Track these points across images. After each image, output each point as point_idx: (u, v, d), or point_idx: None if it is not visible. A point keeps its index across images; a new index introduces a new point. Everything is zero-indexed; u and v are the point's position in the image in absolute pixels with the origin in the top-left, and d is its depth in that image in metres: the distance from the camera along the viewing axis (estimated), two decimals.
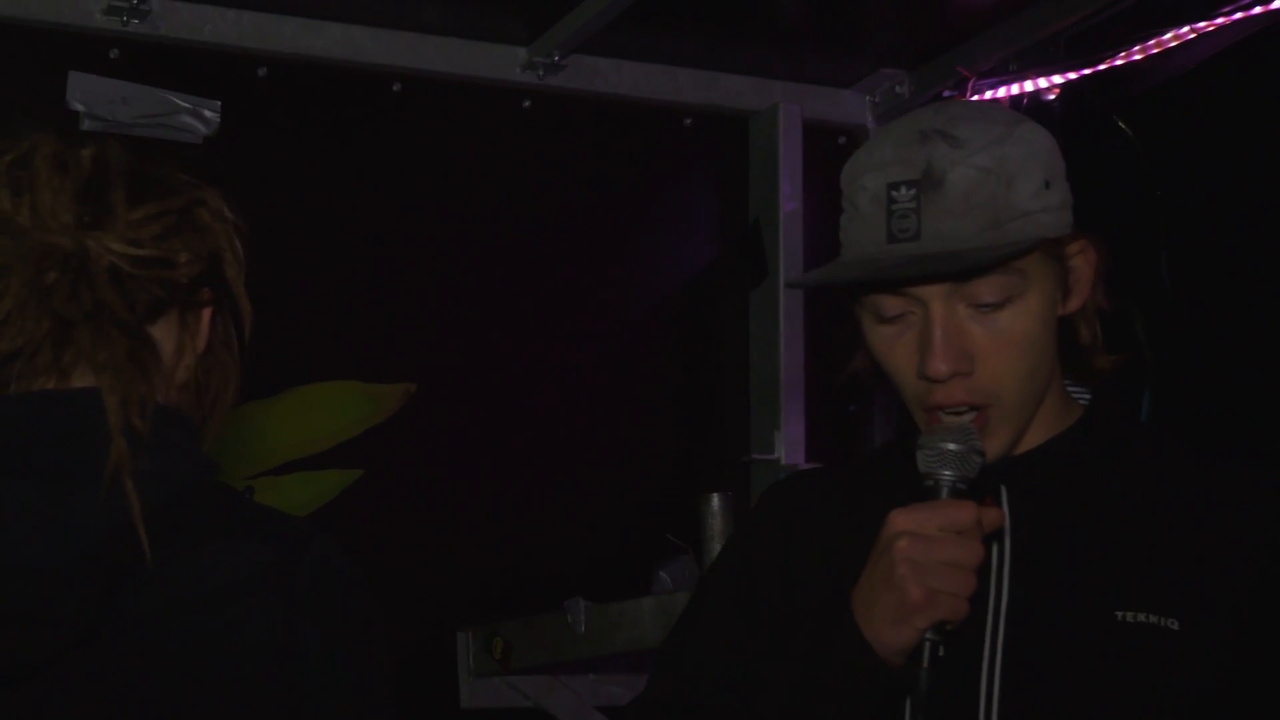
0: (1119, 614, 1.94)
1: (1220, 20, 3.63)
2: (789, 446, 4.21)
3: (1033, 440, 2.06)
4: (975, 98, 4.11)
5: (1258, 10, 3.58)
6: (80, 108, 3.68)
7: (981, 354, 1.96)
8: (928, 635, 1.85)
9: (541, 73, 4.11)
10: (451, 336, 4.09)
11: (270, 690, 1.69)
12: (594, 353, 4.26)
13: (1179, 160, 3.75)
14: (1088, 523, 2.01)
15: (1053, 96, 4.01)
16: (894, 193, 1.95)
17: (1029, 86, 4.02)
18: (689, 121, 4.37)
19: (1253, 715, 1.95)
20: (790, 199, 4.30)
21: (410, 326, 4.05)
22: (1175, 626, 1.93)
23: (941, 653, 1.86)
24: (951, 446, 1.91)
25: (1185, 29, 3.69)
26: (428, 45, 4.04)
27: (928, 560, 1.84)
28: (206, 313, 1.83)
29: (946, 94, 4.21)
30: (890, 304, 1.99)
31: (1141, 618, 1.93)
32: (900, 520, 1.88)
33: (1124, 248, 3.74)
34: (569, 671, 3.99)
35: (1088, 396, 2.14)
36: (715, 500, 3.47)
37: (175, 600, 1.68)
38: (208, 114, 3.81)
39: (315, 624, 1.71)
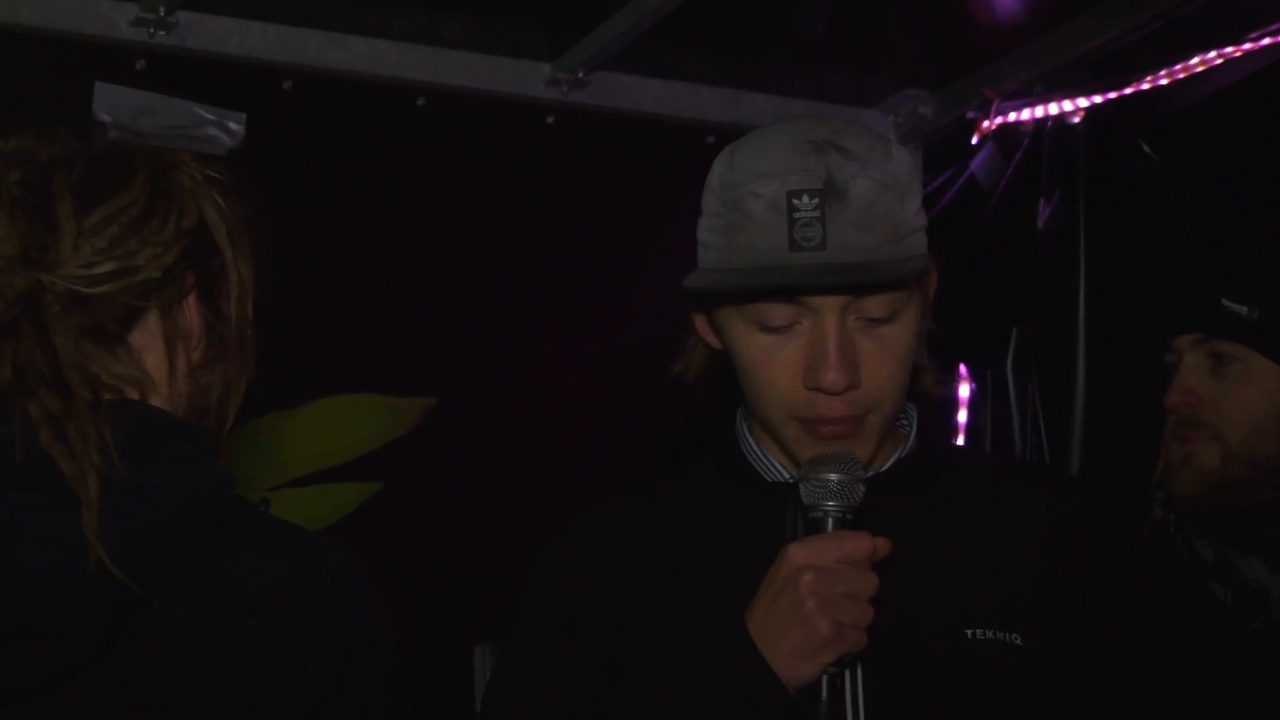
0: (969, 631, 1.96)
1: (1247, 46, 3.62)
2: None
3: (880, 459, 2.07)
4: (999, 119, 4.10)
5: None
6: (106, 118, 3.69)
7: (867, 366, 1.98)
8: (834, 669, 1.87)
9: (565, 89, 4.12)
10: (472, 351, 4.09)
11: (284, 705, 1.68)
12: (615, 367, 4.25)
13: (1203, 185, 3.74)
14: (929, 544, 2.04)
15: (1077, 119, 4.00)
16: (795, 201, 1.95)
17: (1054, 109, 4.02)
18: (712, 139, 4.36)
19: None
20: None
21: (431, 340, 4.05)
22: (1019, 641, 1.96)
23: (839, 685, 1.88)
24: (834, 478, 1.92)
25: (1212, 54, 3.69)
26: (452, 60, 4.04)
27: (832, 594, 1.85)
28: (191, 299, 1.79)
29: (971, 115, 4.21)
30: (780, 313, 2.00)
31: (989, 634, 1.96)
32: (800, 554, 1.88)
33: (1146, 271, 3.74)
34: None
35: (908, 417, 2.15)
36: None
37: (190, 615, 1.67)
38: (233, 126, 3.81)
39: (330, 639, 1.69)
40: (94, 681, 1.64)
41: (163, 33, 3.72)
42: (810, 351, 1.98)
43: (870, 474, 2.02)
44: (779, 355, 2.01)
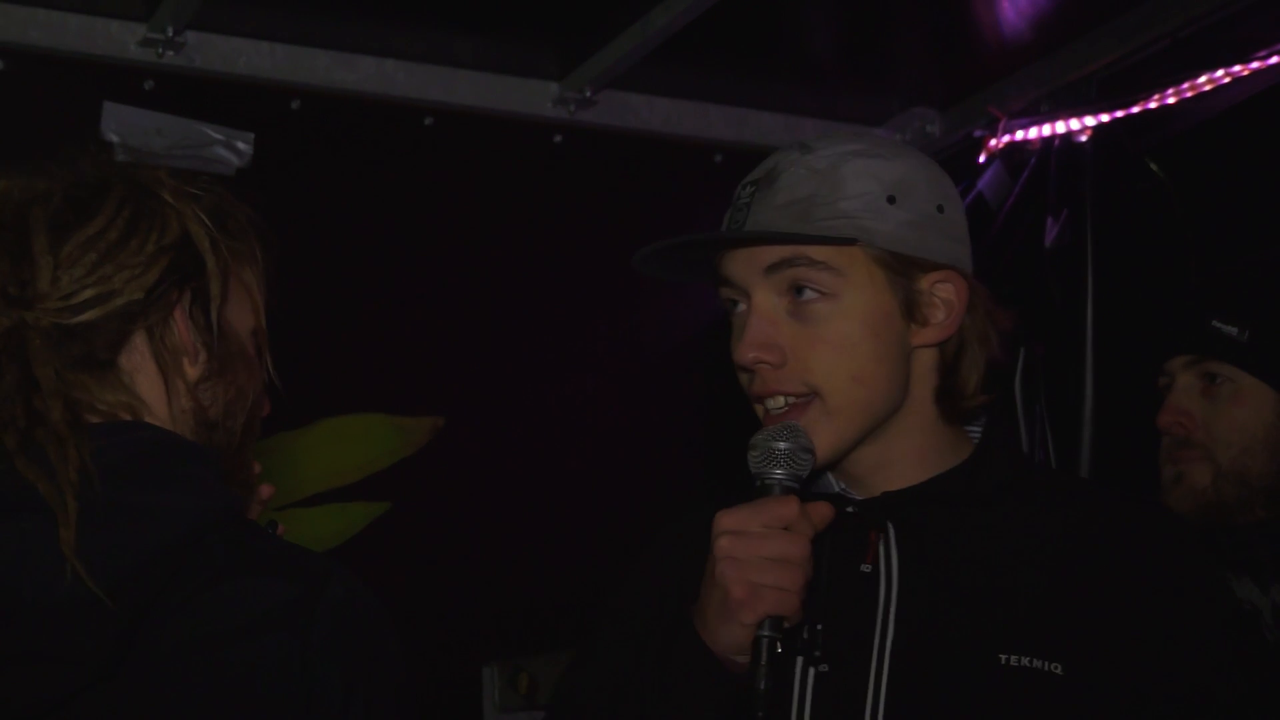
0: (1002, 657, 1.94)
1: (1255, 64, 3.62)
2: None
3: (917, 475, 2.07)
4: (1006, 138, 4.11)
5: None
6: (115, 138, 3.70)
7: (794, 347, 2.00)
8: (764, 632, 1.86)
9: (573, 108, 4.12)
10: (480, 371, 4.10)
11: None
12: (622, 386, 4.25)
13: (1211, 203, 3.73)
14: (974, 564, 2.01)
15: (1085, 138, 4.00)
16: (740, 192, 2.06)
17: (1060, 127, 4.02)
18: (719, 158, 4.37)
19: None
20: None
21: (439, 360, 4.05)
22: (1059, 670, 1.93)
23: (780, 650, 1.86)
24: (781, 445, 1.95)
25: (1219, 72, 3.69)
26: (460, 80, 4.05)
27: (749, 556, 1.87)
28: (178, 315, 1.78)
29: (978, 133, 4.21)
30: (725, 293, 2.07)
31: (1025, 661, 1.93)
32: (725, 520, 1.91)
33: (1154, 289, 3.74)
34: None
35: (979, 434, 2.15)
36: None
37: (195, 637, 1.66)
38: (241, 146, 3.82)
39: (335, 661, 1.69)
40: (99, 704, 1.63)
41: (171, 53, 3.73)
42: (738, 329, 2.05)
43: (905, 487, 2.05)
44: (734, 337, 2.07)
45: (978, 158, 4.19)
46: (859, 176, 2.00)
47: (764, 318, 2.00)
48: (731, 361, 2.06)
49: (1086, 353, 3.95)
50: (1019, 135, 4.11)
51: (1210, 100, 3.74)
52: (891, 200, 2.00)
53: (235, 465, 1.85)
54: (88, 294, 1.70)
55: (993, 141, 4.15)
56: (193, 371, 1.79)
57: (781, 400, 2.01)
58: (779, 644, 1.86)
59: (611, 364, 4.25)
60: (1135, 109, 3.89)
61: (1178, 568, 2.01)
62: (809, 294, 1.99)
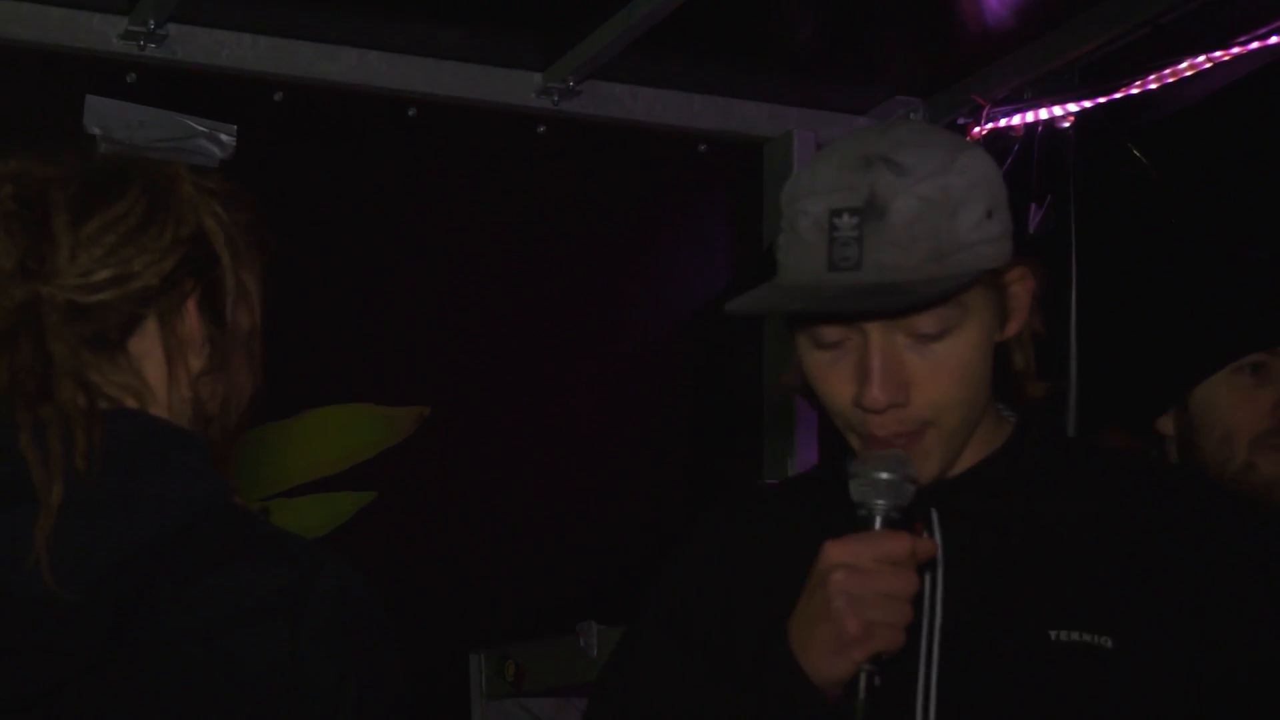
0: (1052, 633, 1.93)
1: (1235, 50, 3.63)
2: (802, 469, 4.21)
3: (964, 463, 2.05)
4: (990, 125, 4.11)
5: (1274, 40, 3.59)
6: (97, 131, 3.69)
7: (918, 383, 1.94)
8: (864, 666, 1.85)
9: (556, 98, 4.12)
10: (464, 359, 4.10)
11: (281, 716, 1.67)
12: (607, 376, 4.26)
13: (1193, 189, 3.75)
14: (1019, 544, 2.01)
15: (1068, 124, 4.01)
16: (836, 220, 1.91)
17: (1044, 114, 4.03)
18: (704, 147, 4.37)
19: None
20: None
21: (424, 349, 4.05)
22: (1109, 644, 1.92)
23: (878, 683, 1.85)
24: (885, 475, 1.90)
25: (1201, 58, 3.70)
26: (443, 70, 4.05)
27: (864, 593, 1.84)
28: (190, 305, 1.78)
29: (961, 121, 4.22)
30: (829, 332, 1.97)
31: (1075, 636, 1.93)
32: (835, 552, 1.87)
33: (1137, 275, 3.75)
34: (581, 694, 3.98)
35: (1014, 415, 2.13)
36: None
37: (186, 626, 1.66)
38: (224, 138, 3.82)
39: (328, 650, 1.69)
40: (90, 693, 1.63)
41: (153, 45, 3.73)
42: (859, 369, 1.95)
43: (949, 475, 2.03)
44: (832, 372, 1.99)
45: None
46: (967, 200, 1.92)
47: (891, 359, 1.93)
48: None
49: (1070, 339, 3.96)
50: (1002, 122, 4.11)
51: (1192, 86, 3.75)
52: (990, 214, 1.95)
53: (219, 463, 1.86)
54: (105, 274, 1.70)
55: (976, 129, 4.16)
56: (196, 364, 1.80)
57: (897, 438, 1.97)
58: (877, 677, 1.86)
59: (596, 353, 4.25)
60: (1118, 95, 3.90)
61: (1237, 538, 2.01)
62: (936, 333, 1.94)
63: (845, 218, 1.90)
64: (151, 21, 3.68)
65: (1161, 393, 2.85)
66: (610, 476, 4.21)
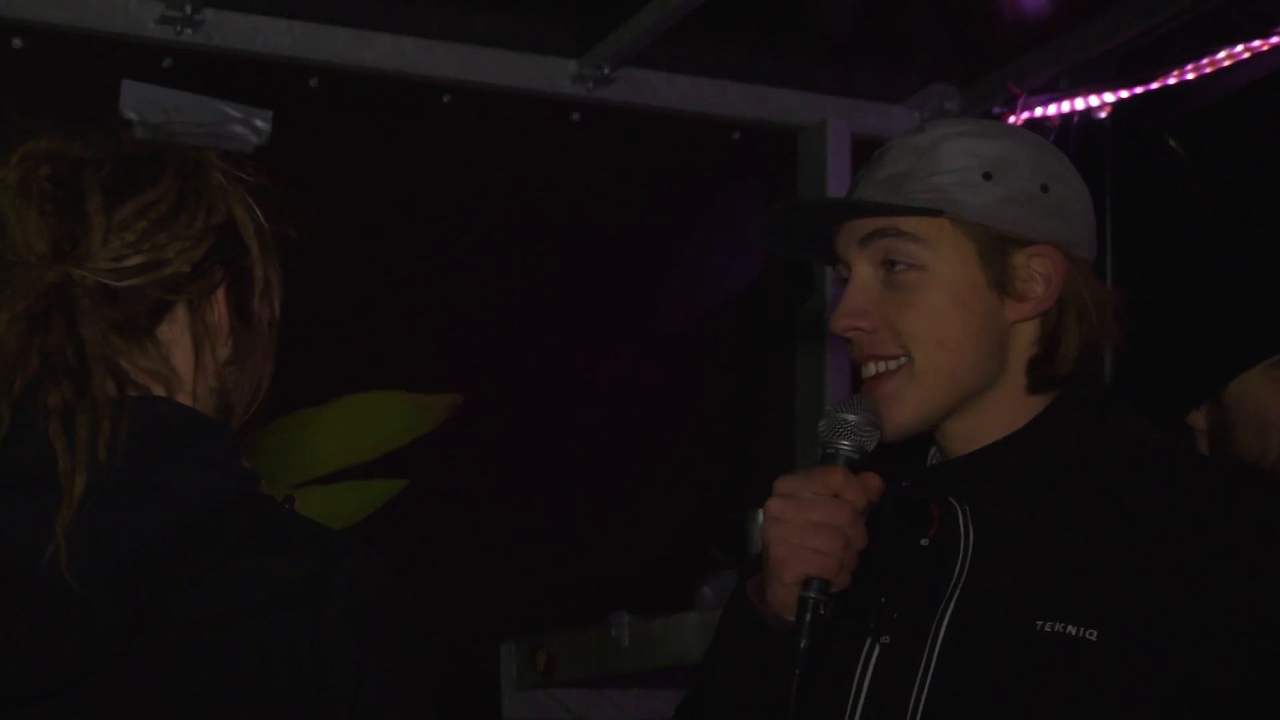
0: (1038, 624, 1.95)
1: (1275, 40, 3.61)
2: None
3: (981, 441, 2.07)
4: (1025, 114, 4.09)
5: None
6: (133, 116, 3.70)
7: (885, 313, 2.03)
8: (809, 594, 1.90)
9: (591, 85, 4.12)
10: (498, 348, 4.10)
11: (302, 705, 1.67)
12: (640, 366, 4.26)
13: (1230, 180, 3.72)
14: (1028, 533, 2.03)
15: (1104, 114, 3.99)
16: (858, 172, 2.11)
17: (1080, 104, 4.01)
18: (738, 135, 4.37)
19: None
20: None
21: (457, 337, 4.06)
22: (1093, 637, 1.93)
23: (824, 612, 1.90)
24: (850, 417, 1.97)
25: (1239, 48, 3.68)
26: (478, 57, 4.05)
27: (793, 519, 1.93)
28: (219, 294, 1.79)
29: (997, 110, 4.20)
30: (838, 270, 2.11)
31: (1059, 628, 1.95)
32: (779, 484, 1.97)
33: (1173, 267, 3.73)
34: (612, 685, 3.99)
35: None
36: (760, 516, 3.45)
37: (207, 615, 1.66)
38: (259, 124, 3.83)
39: (350, 639, 1.68)
40: (111, 681, 1.63)
41: (189, 30, 3.73)
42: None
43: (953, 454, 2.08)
44: (837, 306, 2.12)
45: None
46: (957, 153, 2.03)
47: (859, 288, 2.05)
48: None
49: None
50: (1038, 112, 4.09)
51: (1231, 76, 3.73)
52: (988, 176, 2.02)
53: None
54: (138, 259, 1.70)
55: (1012, 118, 4.14)
56: (223, 353, 1.80)
57: (873, 367, 2.04)
58: (823, 606, 1.90)
59: (630, 341, 4.25)
60: (1155, 85, 3.88)
61: (1241, 525, 1.98)
62: (900, 265, 2.03)
63: (861, 170, 2.10)
64: (188, 6, 3.69)
65: (1198, 385, 2.83)
66: (643, 466, 4.21)
